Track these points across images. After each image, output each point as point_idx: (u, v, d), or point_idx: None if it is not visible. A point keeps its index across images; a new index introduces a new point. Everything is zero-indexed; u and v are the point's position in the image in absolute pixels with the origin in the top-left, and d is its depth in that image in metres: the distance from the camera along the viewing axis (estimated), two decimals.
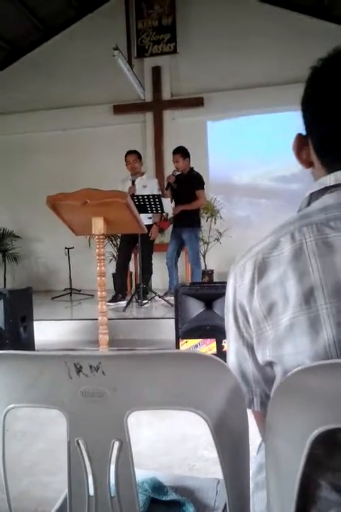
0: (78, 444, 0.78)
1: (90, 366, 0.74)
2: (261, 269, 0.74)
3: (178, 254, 5.72)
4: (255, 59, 7.19)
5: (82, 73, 7.76)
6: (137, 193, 5.16)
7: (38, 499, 1.83)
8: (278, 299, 0.71)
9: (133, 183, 5.32)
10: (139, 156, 5.58)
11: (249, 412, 0.73)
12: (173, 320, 3.28)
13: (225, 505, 0.76)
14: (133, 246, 5.55)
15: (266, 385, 0.79)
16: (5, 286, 7.67)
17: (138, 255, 5.38)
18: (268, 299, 0.73)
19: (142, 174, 5.59)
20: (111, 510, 0.78)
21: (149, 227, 5.16)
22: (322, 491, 0.73)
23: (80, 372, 0.75)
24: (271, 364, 0.76)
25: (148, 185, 5.44)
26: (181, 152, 5.49)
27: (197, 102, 7.43)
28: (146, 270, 5.42)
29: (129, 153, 5.54)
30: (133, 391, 0.75)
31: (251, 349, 0.79)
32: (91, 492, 0.79)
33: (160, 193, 5.36)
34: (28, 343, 3.74)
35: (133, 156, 5.49)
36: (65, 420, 0.79)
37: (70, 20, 7.97)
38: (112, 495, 0.78)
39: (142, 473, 1.03)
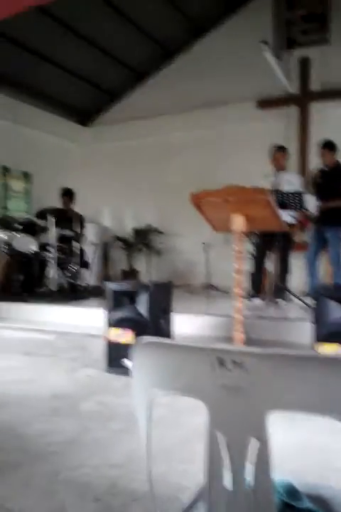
0: (217, 436, 0.78)
1: (233, 361, 0.74)
2: None
3: (320, 255, 5.41)
4: None
5: (227, 71, 7.85)
6: (280, 189, 5.02)
7: (174, 485, 1.89)
8: None
9: (278, 179, 5.20)
10: (286, 152, 5.44)
11: None
12: (310, 323, 3.13)
13: None
14: (270, 244, 5.42)
15: None
16: (149, 279, 8.12)
17: (275, 254, 5.24)
18: None
19: (285, 170, 5.43)
20: (247, 507, 0.77)
21: (291, 226, 4.99)
22: None
23: (223, 367, 0.75)
24: None
25: (292, 181, 5.26)
26: (328, 146, 5.20)
27: None
28: (284, 270, 5.24)
29: (278, 148, 5.42)
30: (275, 391, 0.73)
31: None
32: (228, 486, 0.79)
33: (303, 189, 5.15)
34: (167, 335, 3.88)
35: (281, 152, 5.38)
36: (205, 411, 0.80)
37: (219, 19, 8.10)
38: (248, 492, 0.77)
39: (278, 477, 0.99)
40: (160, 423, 2.54)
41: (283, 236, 4.93)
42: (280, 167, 5.34)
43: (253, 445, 0.74)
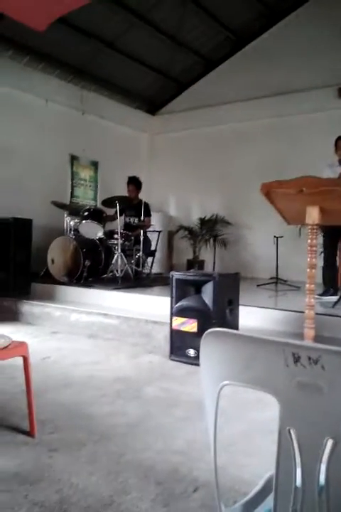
0: (289, 433, 0.76)
1: (309, 358, 0.72)
2: None
3: None
4: None
5: (304, 57, 7.57)
6: None
7: (234, 477, 1.87)
8: None
9: None
10: None
11: None
12: None
13: None
14: (338, 238, 5.20)
15: None
16: (213, 269, 8.09)
17: None
18: None
19: None
20: (318, 507, 0.74)
21: None
22: None
23: (298, 363, 0.73)
24: None
25: None
26: None
27: None
28: None
29: None
30: None
31: None
32: (298, 484, 0.77)
33: None
34: (233, 326, 3.85)
35: None
36: (278, 407, 0.77)
37: (296, 4, 7.83)
38: (319, 492, 0.74)
39: None
40: (222, 415, 2.52)
41: None
42: None
43: (328, 445, 0.71)
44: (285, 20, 7.97)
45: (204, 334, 0.85)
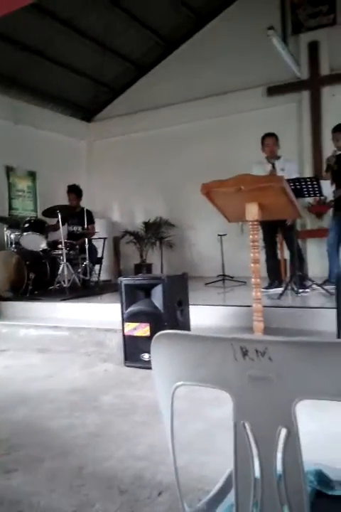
0: (244, 426, 0.78)
1: (256, 351, 0.74)
2: None
3: (340, 241, 5.36)
4: None
5: (234, 58, 7.79)
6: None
7: (196, 477, 1.89)
8: None
9: (273, 166, 5.15)
10: (277, 139, 5.39)
11: None
12: (333, 310, 3.10)
13: None
14: (276, 231, 5.42)
15: None
16: (161, 272, 8.13)
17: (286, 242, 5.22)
18: None
19: (278, 157, 5.36)
20: (278, 496, 0.77)
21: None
22: None
23: (246, 356, 0.75)
24: None
25: (286, 169, 5.20)
26: None
27: None
28: (297, 256, 5.21)
29: (268, 135, 5.37)
30: (301, 379, 0.72)
31: None
32: (257, 475, 0.79)
33: (298, 175, 5.11)
34: (185, 327, 3.88)
35: (273, 139, 5.33)
36: (231, 402, 0.79)
37: (222, 6, 8.04)
38: (278, 480, 0.77)
39: (308, 465, 0.99)
40: (180, 415, 2.55)
41: (283, 224, 4.92)
42: (273, 154, 5.30)
43: (282, 434, 0.73)
44: (213, 23, 8.15)
45: (154, 338, 0.86)
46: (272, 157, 5.31)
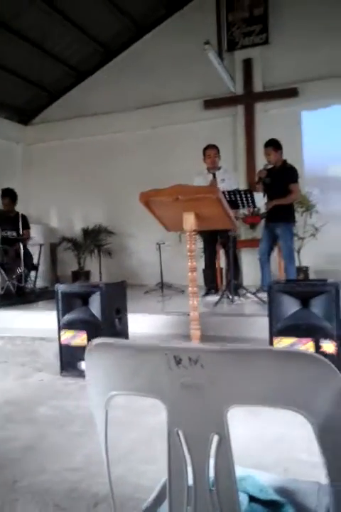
0: (177, 434, 0.79)
1: (189, 359, 0.75)
2: None
3: (271, 250, 5.58)
4: None
5: (172, 70, 7.88)
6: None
7: (133, 486, 1.89)
8: None
9: (214, 176, 5.30)
10: (218, 150, 5.55)
11: None
12: (266, 318, 3.22)
13: (328, 510, 0.73)
14: (216, 241, 5.55)
15: None
16: (100, 280, 8.04)
17: (224, 251, 5.36)
18: None
19: (219, 168, 5.53)
20: (210, 503, 0.78)
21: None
22: None
23: (180, 365, 0.76)
24: None
25: (226, 180, 5.37)
26: (273, 145, 5.34)
27: (290, 93, 7.21)
28: (234, 266, 5.36)
29: (210, 147, 5.53)
30: (232, 386, 0.74)
31: None
32: (190, 482, 0.80)
33: (238, 186, 5.29)
34: (123, 335, 3.86)
35: (214, 151, 5.49)
36: (165, 410, 0.80)
37: (161, 18, 8.12)
38: (211, 487, 0.78)
39: (240, 470, 1.02)
40: (119, 424, 2.53)
41: (227, 233, 5.06)
42: (214, 165, 5.44)
43: (213, 441, 0.75)
44: (152, 33, 8.22)
45: (88, 347, 0.85)
46: (213, 168, 5.43)
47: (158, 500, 1.02)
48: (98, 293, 3.67)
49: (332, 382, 0.66)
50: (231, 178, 5.48)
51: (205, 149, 5.55)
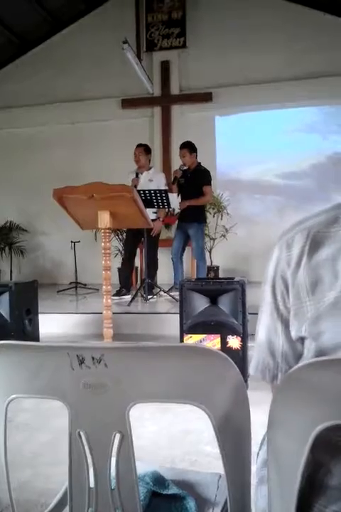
0: (79, 435, 0.77)
1: (93, 358, 0.74)
2: (314, 243, 0.74)
3: (183, 250, 5.71)
4: (265, 54, 7.16)
5: (91, 67, 7.77)
6: (143, 187, 5.15)
7: (40, 490, 1.83)
8: (326, 275, 0.71)
9: (136, 175, 5.33)
10: (146, 150, 5.58)
11: (251, 408, 0.72)
12: (178, 315, 3.28)
13: (226, 500, 0.76)
14: (138, 241, 5.57)
15: (294, 361, 0.79)
16: (11, 279, 7.71)
17: (143, 250, 5.39)
18: (315, 273, 0.72)
19: (149, 169, 5.58)
20: (111, 503, 0.78)
21: (152, 221, 5.17)
22: (333, 479, 0.72)
23: (83, 364, 0.74)
24: (302, 340, 0.76)
25: (154, 180, 5.44)
26: (188, 147, 5.47)
27: (205, 97, 7.43)
28: (152, 265, 5.42)
29: (138, 146, 5.56)
30: (136, 384, 0.74)
31: (284, 323, 0.79)
32: (92, 484, 0.79)
33: (166, 187, 5.36)
34: (33, 336, 3.75)
35: (139, 149, 5.52)
36: (67, 412, 0.78)
37: (80, 14, 7.97)
38: (113, 487, 0.78)
39: (143, 467, 1.03)
40: (26, 428, 2.45)
41: (148, 233, 5.10)
42: (140, 164, 5.48)
43: (115, 440, 0.75)
44: (70, 28, 8.04)
45: None
46: (140, 167, 5.43)
47: (61, 503, 1.00)
48: (7, 293, 3.55)
49: (229, 376, 0.69)
50: (161, 180, 5.53)
51: (135, 149, 5.55)
